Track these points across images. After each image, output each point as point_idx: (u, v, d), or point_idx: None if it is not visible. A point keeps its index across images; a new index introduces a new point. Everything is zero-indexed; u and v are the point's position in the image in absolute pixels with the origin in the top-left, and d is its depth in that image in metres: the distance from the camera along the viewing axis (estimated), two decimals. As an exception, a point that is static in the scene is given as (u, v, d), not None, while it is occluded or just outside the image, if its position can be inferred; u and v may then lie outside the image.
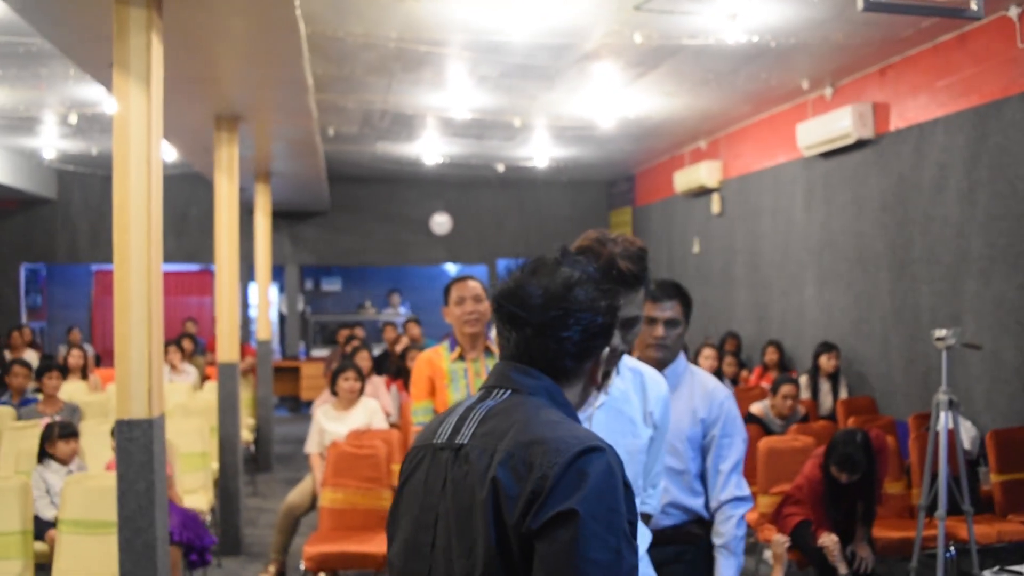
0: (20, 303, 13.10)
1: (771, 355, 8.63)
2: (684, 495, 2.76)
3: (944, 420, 4.42)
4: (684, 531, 2.74)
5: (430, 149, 11.02)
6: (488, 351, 4.10)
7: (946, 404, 4.44)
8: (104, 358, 12.53)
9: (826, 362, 7.54)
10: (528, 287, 1.60)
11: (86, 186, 12.87)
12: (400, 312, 14.89)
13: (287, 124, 7.05)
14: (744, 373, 9.02)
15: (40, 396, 6.75)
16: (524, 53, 6.92)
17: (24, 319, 13.10)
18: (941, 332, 4.49)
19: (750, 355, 9.57)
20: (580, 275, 1.62)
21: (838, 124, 7.61)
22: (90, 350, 11.82)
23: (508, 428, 1.50)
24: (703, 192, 10.86)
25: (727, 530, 2.74)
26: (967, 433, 5.79)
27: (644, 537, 2.46)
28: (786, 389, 6.30)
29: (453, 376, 4.11)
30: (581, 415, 2.29)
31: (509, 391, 1.58)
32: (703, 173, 10.49)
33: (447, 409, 1.65)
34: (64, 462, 4.74)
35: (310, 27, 6.04)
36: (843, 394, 7.54)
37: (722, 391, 2.88)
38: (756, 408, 6.42)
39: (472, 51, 6.85)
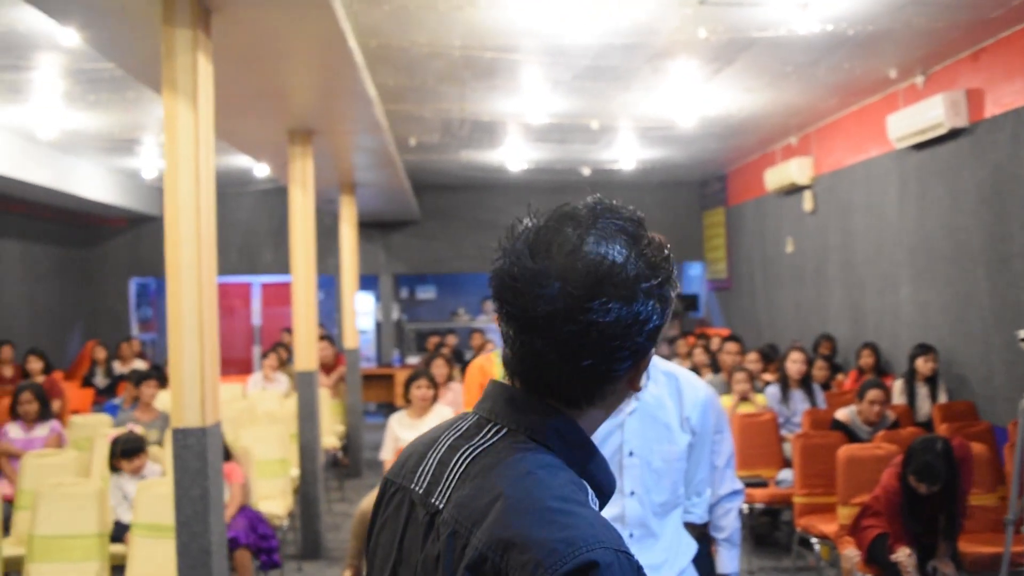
0: (131, 316, 13.75)
1: (867, 358, 8.26)
2: None
3: (1028, 426, 4.12)
4: None
5: (514, 155, 11.03)
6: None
7: (1031, 409, 4.13)
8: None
9: (923, 365, 7.16)
10: (536, 276, 1.11)
11: (189, 202, 13.43)
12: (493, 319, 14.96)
13: (360, 136, 7.16)
14: (840, 377, 8.67)
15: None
16: (593, 55, 6.84)
17: (135, 331, 13.74)
18: (1023, 333, 4.19)
19: (846, 358, 9.19)
20: (616, 257, 1.11)
21: (929, 114, 7.22)
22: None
23: (488, 505, 1.06)
24: (795, 189, 10.51)
25: (728, 523, 2.71)
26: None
27: (690, 548, 2.38)
28: (873, 394, 6.01)
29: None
30: (611, 422, 2.23)
31: (504, 430, 1.15)
32: (794, 170, 10.15)
33: (430, 431, 1.26)
34: (135, 474, 4.92)
35: (374, 39, 6.13)
36: (942, 398, 7.14)
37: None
38: (842, 414, 6.15)
39: (541, 56, 6.81)
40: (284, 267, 13.59)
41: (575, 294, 1.08)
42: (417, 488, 1.18)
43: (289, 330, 12.90)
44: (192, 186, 3.70)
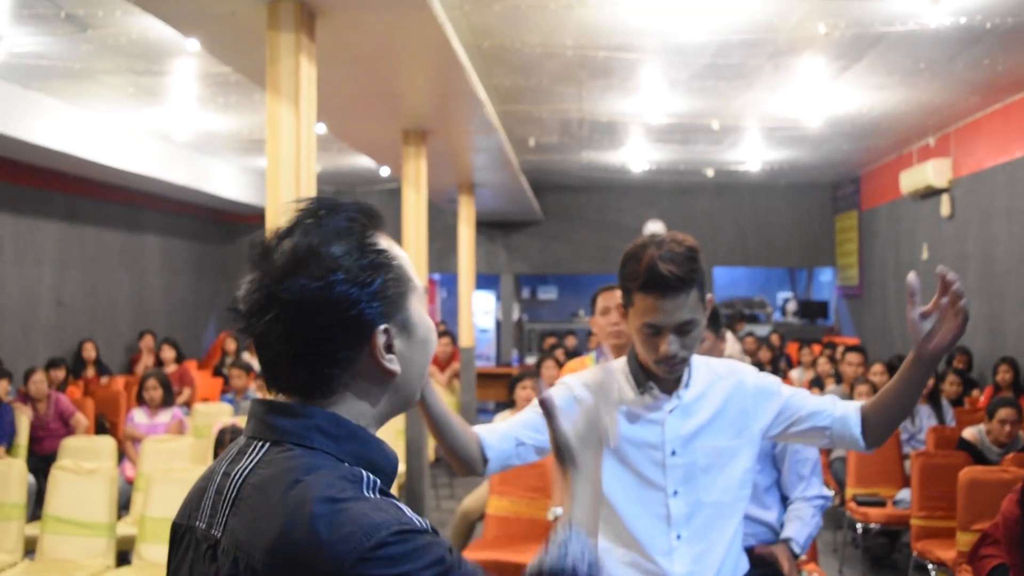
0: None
1: (1004, 374, 7.73)
2: (756, 508, 2.60)
3: None
4: (767, 554, 2.57)
5: (636, 156, 10.89)
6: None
7: None
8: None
9: (1065, 382, 6.64)
10: (249, 282, 1.14)
11: (318, 201, 13.88)
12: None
13: (475, 137, 7.21)
14: (975, 393, 8.15)
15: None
16: (712, 53, 6.66)
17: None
18: None
19: (982, 373, 8.63)
20: (311, 240, 1.11)
21: (1080, 112, 6.69)
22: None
23: (264, 523, 1.04)
24: (931, 193, 9.94)
25: (803, 511, 2.73)
26: None
27: (741, 567, 2.26)
28: (1004, 413, 5.59)
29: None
30: (650, 420, 2.14)
31: (266, 444, 1.12)
32: (930, 172, 9.60)
33: (216, 460, 1.20)
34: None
35: (488, 40, 6.16)
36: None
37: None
38: (969, 433, 5.76)
39: (656, 54, 6.69)
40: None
41: (269, 282, 1.11)
42: (200, 524, 1.15)
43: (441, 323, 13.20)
44: (292, 187, 3.79)
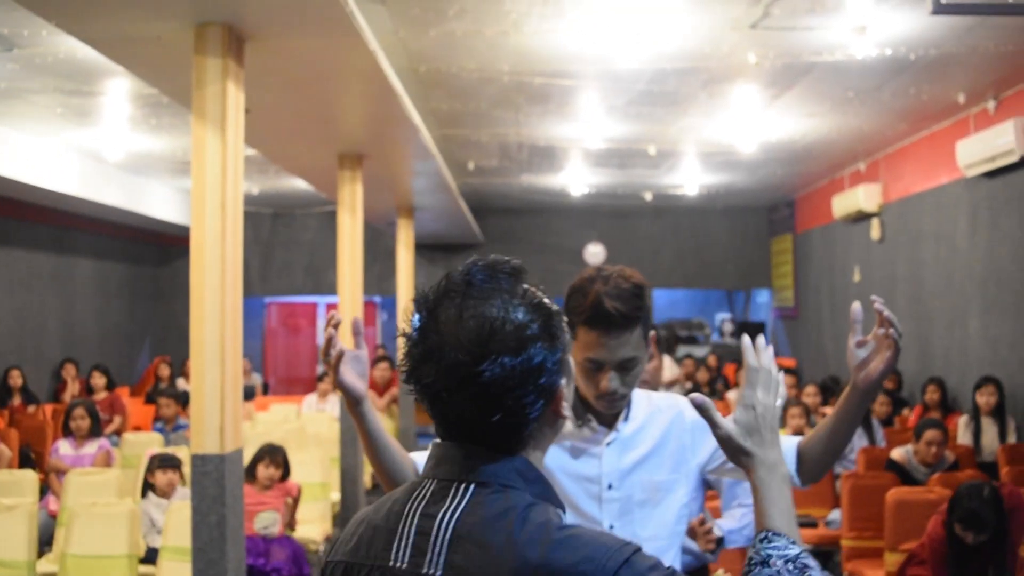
0: (200, 333, 14.04)
1: (932, 394, 7.91)
2: (689, 540, 2.59)
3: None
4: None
5: (575, 179, 10.96)
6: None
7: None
8: (275, 387, 13.19)
9: (984, 398, 6.81)
10: (430, 353, 1.16)
11: (256, 223, 13.70)
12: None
13: (411, 161, 7.19)
14: (905, 412, 8.32)
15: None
16: (647, 80, 6.75)
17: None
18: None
19: (912, 393, 8.83)
20: (496, 313, 1.16)
21: (1000, 140, 6.91)
22: (259, 379, 12.51)
23: (497, 556, 1.10)
24: (862, 217, 10.18)
25: (739, 513, 2.71)
26: None
27: None
28: (930, 435, 5.71)
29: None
30: (588, 454, 2.14)
31: (472, 485, 1.16)
32: (861, 197, 9.83)
33: (385, 506, 1.23)
34: (164, 494, 4.96)
35: (424, 64, 6.15)
36: (1011, 437, 6.77)
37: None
38: (897, 454, 5.86)
39: (593, 80, 6.75)
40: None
41: (465, 360, 1.14)
42: (399, 564, 1.18)
43: (349, 350, 13.03)
44: (218, 212, 3.73)
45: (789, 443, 2.04)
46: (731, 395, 10.37)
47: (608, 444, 2.10)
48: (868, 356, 1.82)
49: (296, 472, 5.90)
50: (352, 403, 1.87)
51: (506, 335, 1.15)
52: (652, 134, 8.57)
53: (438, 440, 1.25)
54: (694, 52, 6.06)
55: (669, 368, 10.13)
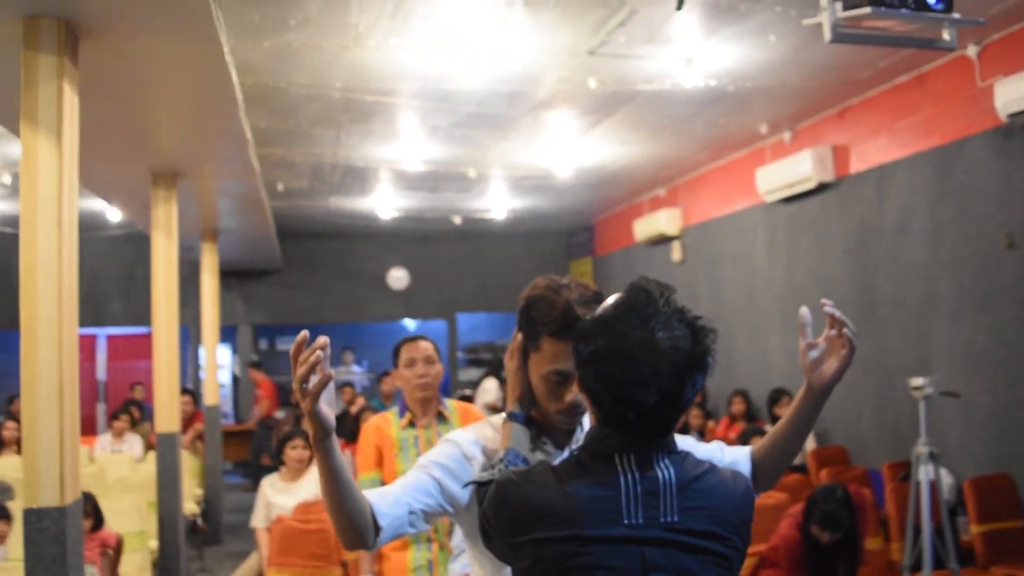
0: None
1: (738, 405, 8.41)
2: None
3: (925, 473, 4.17)
4: None
5: (384, 203, 10.77)
6: (441, 416, 3.79)
7: (926, 457, 4.19)
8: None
9: (783, 410, 7.30)
10: (683, 374, 1.55)
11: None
12: (353, 371, 14.48)
13: (229, 180, 6.75)
14: (711, 424, 8.77)
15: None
16: (476, 101, 6.73)
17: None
18: (918, 381, 4.27)
19: (716, 405, 9.33)
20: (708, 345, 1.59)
21: (798, 168, 7.48)
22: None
23: (725, 492, 1.62)
24: (663, 240, 10.70)
25: None
26: (944, 481, 5.56)
27: None
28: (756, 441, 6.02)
29: (403, 444, 3.80)
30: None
31: (664, 454, 1.59)
32: (663, 221, 10.34)
33: (599, 475, 1.58)
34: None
35: (251, 78, 5.80)
36: (810, 444, 7.29)
37: None
38: (727, 463, 6.14)
39: (422, 100, 6.64)
40: (135, 318, 12.69)
41: (696, 372, 1.57)
42: (635, 520, 1.53)
43: (142, 384, 12.05)
44: (54, 233, 3.27)
45: (742, 453, 2.02)
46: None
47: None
48: (820, 357, 1.86)
49: (112, 522, 5.31)
50: (322, 437, 1.65)
51: (710, 345, 1.64)
52: (472, 157, 8.57)
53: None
54: (529, 75, 6.11)
55: (493, 391, 10.15)
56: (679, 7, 4.61)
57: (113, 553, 4.80)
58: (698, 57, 5.67)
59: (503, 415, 2.06)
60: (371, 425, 3.89)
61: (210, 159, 6.05)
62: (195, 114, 4.90)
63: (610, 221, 12.90)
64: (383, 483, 3.74)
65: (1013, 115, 5.25)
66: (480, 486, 1.76)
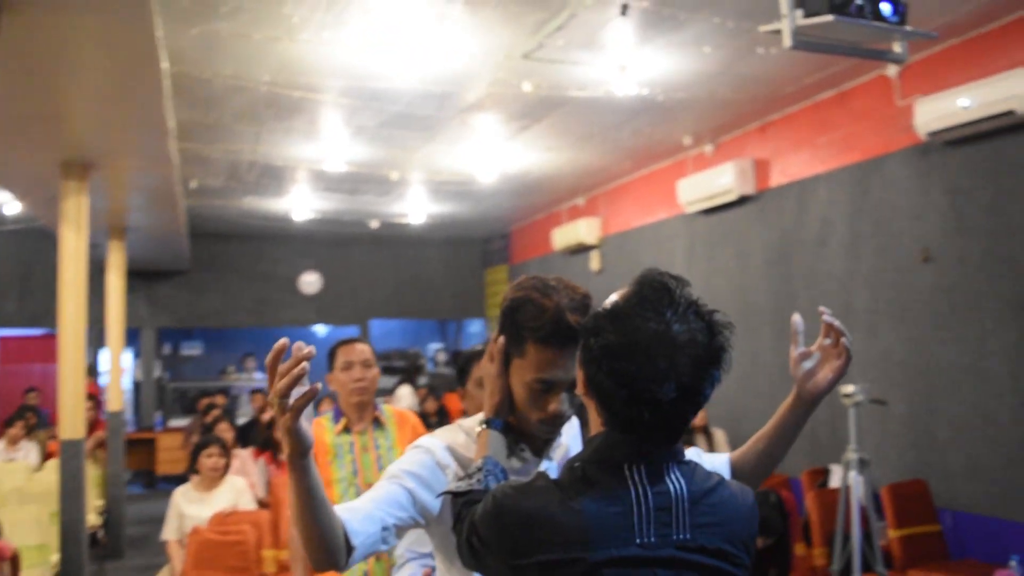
0: None
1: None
2: None
3: (856, 480, 4.25)
4: None
5: (300, 204, 10.49)
6: (377, 422, 3.66)
7: (856, 463, 4.27)
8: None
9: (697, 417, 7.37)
10: (705, 369, 1.48)
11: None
12: (255, 378, 14.08)
13: (145, 173, 6.44)
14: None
15: None
16: (406, 101, 6.60)
17: None
18: (849, 388, 4.34)
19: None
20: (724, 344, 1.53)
21: (720, 180, 7.60)
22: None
23: (735, 506, 1.55)
24: (582, 249, 10.74)
25: None
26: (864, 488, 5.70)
27: None
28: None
29: (338, 451, 3.66)
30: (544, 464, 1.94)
31: (673, 464, 1.50)
32: (582, 230, 10.38)
33: (612, 490, 1.47)
34: None
35: (175, 66, 5.53)
36: (723, 448, 7.38)
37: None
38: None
39: (350, 98, 6.47)
40: (31, 319, 12.05)
41: (714, 372, 1.48)
42: (646, 539, 1.42)
43: (37, 390, 11.42)
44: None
45: (721, 460, 1.98)
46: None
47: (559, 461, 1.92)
48: (814, 367, 1.83)
49: (10, 535, 4.98)
50: (301, 454, 1.52)
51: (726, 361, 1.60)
52: (395, 159, 8.43)
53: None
54: (463, 76, 6.02)
55: (407, 397, 9.98)
56: (623, 12, 4.62)
57: (9, 568, 4.49)
58: (632, 65, 5.67)
59: (476, 420, 1.97)
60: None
61: (127, 150, 5.76)
62: (116, 100, 4.64)
63: (527, 229, 12.90)
64: (317, 490, 3.60)
65: (933, 133, 5.43)
66: (456, 496, 1.66)
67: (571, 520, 1.40)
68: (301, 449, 1.50)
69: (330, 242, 13.56)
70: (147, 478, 12.55)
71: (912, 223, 5.90)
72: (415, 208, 10.94)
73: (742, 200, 7.60)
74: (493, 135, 7.61)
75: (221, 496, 5.60)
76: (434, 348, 16.20)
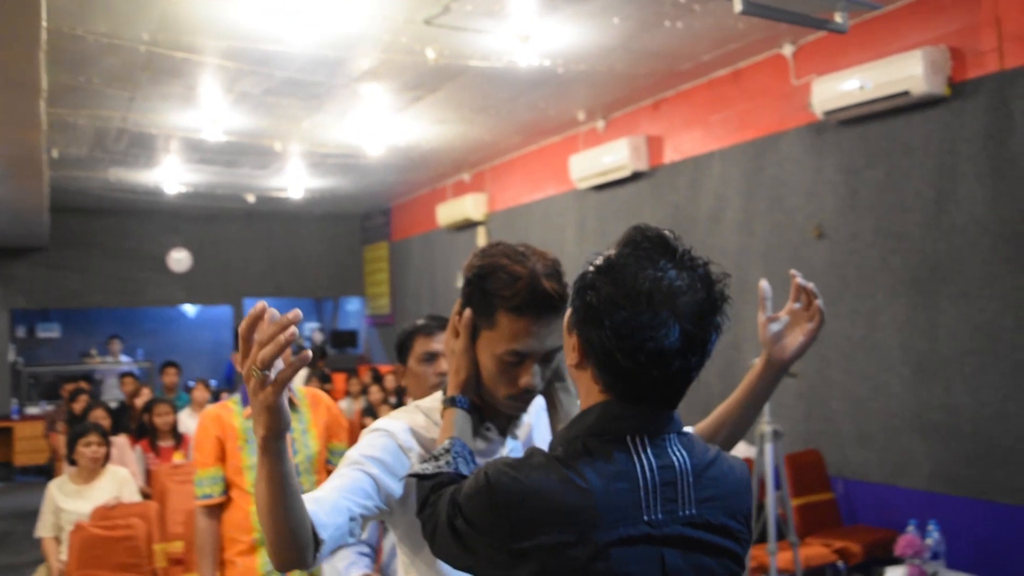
0: None
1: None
2: None
3: (770, 451, 4.31)
4: None
5: (172, 177, 9.91)
6: (291, 404, 3.43)
7: (771, 435, 4.33)
8: None
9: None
10: (708, 323, 1.38)
11: None
12: (122, 361, 13.33)
13: (7, 138, 5.88)
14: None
15: None
16: (296, 67, 6.27)
17: None
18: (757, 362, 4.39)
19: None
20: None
21: (613, 156, 7.60)
22: None
23: (736, 479, 1.48)
24: (468, 225, 10.61)
25: None
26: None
27: None
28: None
29: (248, 435, 3.42)
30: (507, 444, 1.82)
31: (671, 435, 1.41)
32: (469, 206, 10.25)
33: (612, 463, 1.35)
34: None
35: (45, 22, 5.04)
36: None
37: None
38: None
39: (236, 61, 6.09)
40: None
41: (715, 331, 1.37)
42: (654, 516, 1.33)
43: None
44: None
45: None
46: (343, 404, 10.13)
47: (509, 454, 1.80)
48: (782, 330, 1.78)
49: None
50: (277, 436, 1.34)
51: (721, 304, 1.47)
52: (278, 129, 8.05)
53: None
54: (358, 41, 5.75)
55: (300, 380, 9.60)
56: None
57: None
58: (536, 35, 5.56)
59: (435, 399, 1.82)
60: (210, 415, 3.48)
61: (-13, 111, 5.23)
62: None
63: (409, 205, 12.66)
64: (226, 479, 3.36)
65: (829, 112, 5.56)
66: (422, 479, 1.52)
67: (577, 498, 1.28)
68: (280, 431, 1.33)
69: (202, 217, 12.93)
70: (3, 470, 11.68)
71: (806, 200, 6.04)
72: (294, 182, 10.52)
73: (635, 176, 7.64)
74: (384, 106, 7.35)
75: (102, 488, 5.22)
76: (311, 327, 15.75)
